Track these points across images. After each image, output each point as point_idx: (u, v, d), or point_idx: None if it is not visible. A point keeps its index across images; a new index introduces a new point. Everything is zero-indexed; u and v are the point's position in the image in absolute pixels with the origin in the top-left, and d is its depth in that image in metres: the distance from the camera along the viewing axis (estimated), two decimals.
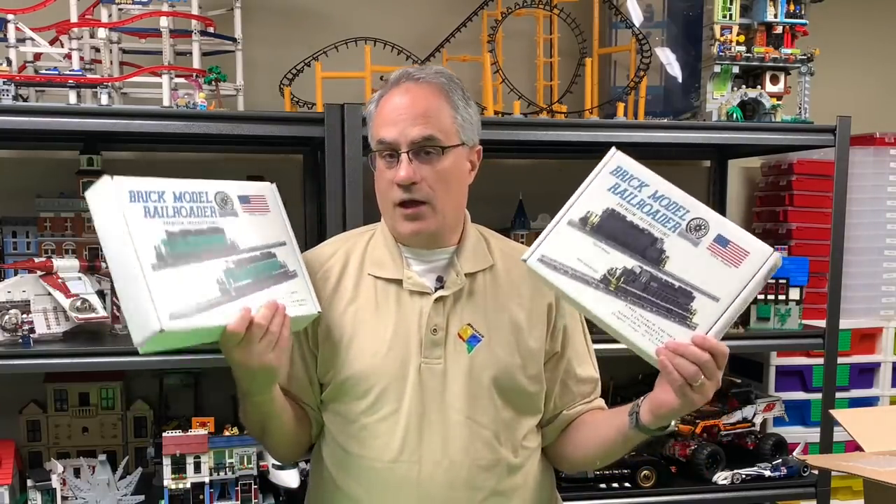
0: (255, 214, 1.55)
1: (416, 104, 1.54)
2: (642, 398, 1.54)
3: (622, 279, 1.39)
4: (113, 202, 1.33)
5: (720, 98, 2.57)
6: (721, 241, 1.39)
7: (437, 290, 1.61)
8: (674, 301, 1.39)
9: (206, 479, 2.23)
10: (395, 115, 1.54)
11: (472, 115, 1.62)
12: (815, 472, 2.63)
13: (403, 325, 1.59)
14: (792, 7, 2.57)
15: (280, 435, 1.65)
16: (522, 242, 2.81)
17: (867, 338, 3.07)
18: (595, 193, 1.43)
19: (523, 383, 1.62)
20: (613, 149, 1.46)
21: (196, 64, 2.33)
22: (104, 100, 2.21)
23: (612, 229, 1.42)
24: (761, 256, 1.39)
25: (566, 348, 1.69)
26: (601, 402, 1.76)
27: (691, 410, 1.47)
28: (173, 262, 1.35)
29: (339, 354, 1.60)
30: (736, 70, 2.57)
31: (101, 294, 2.32)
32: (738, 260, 1.39)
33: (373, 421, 1.58)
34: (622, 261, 1.40)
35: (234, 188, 1.54)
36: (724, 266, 1.39)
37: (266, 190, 1.62)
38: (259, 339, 1.41)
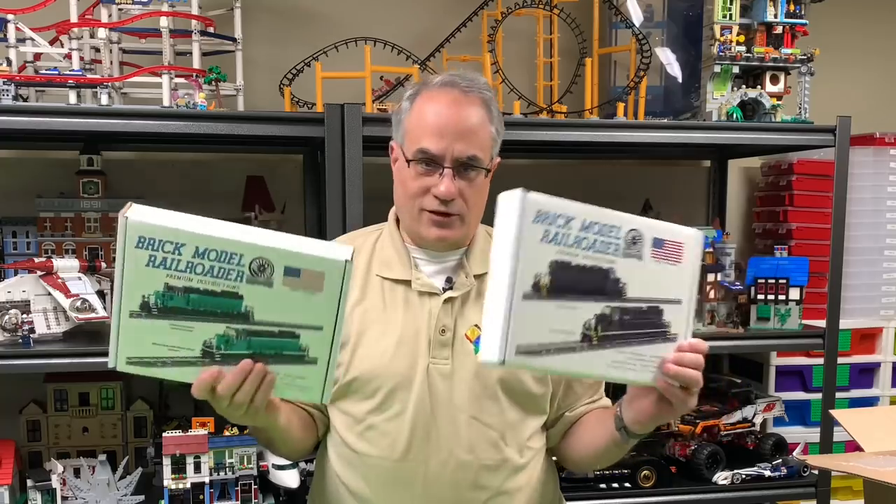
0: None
1: (464, 119, 1.53)
2: (619, 405, 1.53)
3: (600, 328, 1.30)
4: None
5: (720, 98, 2.57)
6: (658, 243, 1.34)
7: (445, 290, 1.61)
8: (649, 324, 1.36)
9: (206, 479, 2.23)
10: (441, 125, 1.53)
11: (501, 130, 1.62)
12: (815, 472, 2.63)
13: (412, 326, 1.59)
14: (792, 7, 2.57)
15: (285, 445, 1.65)
16: None
17: (867, 338, 3.07)
18: (531, 253, 1.22)
19: (529, 384, 1.62)
20: (520, 191, 1.22)
21: (196, 64, 2.33)
22: (104, 100, 2.21)
23: (566, 282, 1.27)
24: (693, 242, 1.38)
25: None
26: (606, 401, 1.75)
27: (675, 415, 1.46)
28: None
29: (347, 355, 1.60)
30: (736, 70, 2.57)
31: (101, 294, 2.32)
32: (678, 255, 1.36)
33: (380, 420, 1.58)
34: (591, 309, 1.29)
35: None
36: (670, 267, 1.36)
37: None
38: (230, 400, 1.37)
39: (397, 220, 1.69)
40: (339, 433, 1.64)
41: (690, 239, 1.38)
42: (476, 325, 1.59)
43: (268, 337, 1.32)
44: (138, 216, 1.24)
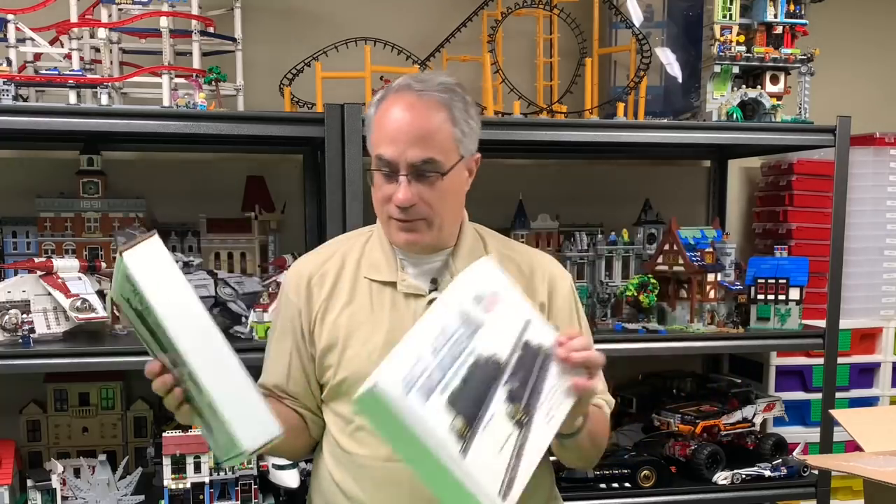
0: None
1: (416, 123, 1.51)
2: None
3: (518, 407, 1.33)
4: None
5: (720, 98, 2.57)
6: (478, 299, 1.36)
7: (431, 291, 1.61)
8: (532, 358, 1.38)
9: (206, 479, 2.23)
10: (394, 132, 1.52)
11: (472, 126, 1.60)
12: (815, 472, 2.63)
13: (398, 328, 1.59)
14: (792, 7, 2.57)
15: (275, 448, 1.65)
16: (522, 242, 2.83)
17: (867, 338, 3.07)
18: (429, 420, 1.20)
19: None
20: (375, 387, 1.18)
21: (196, 64, 2.33)
22: (104, 100, 2.21)
23: (470, 405, 1.27)
24: (485, 267, 1.41)
25: None
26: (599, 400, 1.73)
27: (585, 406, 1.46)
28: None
29: (336, 357, 1.61)
30: (736, 70, 2.57)
31: (101, 294, 2.32)
32: (492, 287, 1.39)
33: None
34: (500, 400, 1.31)
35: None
36: (499, 302, 1.38)
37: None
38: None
39: None
40: (332, 434, 1.66)
41: (481, 266, 1.41)
42: None
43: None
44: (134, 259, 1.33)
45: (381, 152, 1.53)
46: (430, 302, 1.59)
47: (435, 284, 1.62)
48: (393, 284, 1.62)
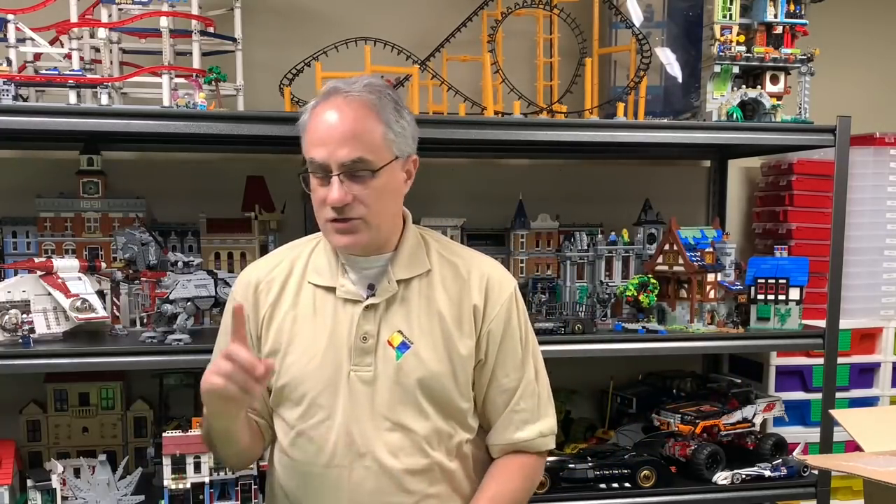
0: None
1: (343, 124, 1.52)
2: None
3: None
4: None
5: (720, 98, 2.57)
6: None
7: (368, 297, 1.62)
8: None
9: (206, 479, 2.23)
10: (324, 134, 1.53)
11: (405, 127, 1.59)
12: (815, 472, 2.63)
13: (336, 333, 1.61)
14: (792, 7, 2.57)
15: (230, 446, 1.67)
16: (522, 242, 2.83)
17: (867, 338, 3.07)
18: None
19: (452, 392, 1.62)
20: None
21: (196, 64, 2.33)
22: (104, 100, 2.21)
23: None
24: None
25: (489, 356, 1.67)
26: (526, 441, 1.69)
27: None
28: None
29: (279, 362, 1.62)
30: (736, 70, 2.57)
31: (101, 294, 2.32)
32: None
33: (307, 427, 1.61)
34: None
35: None
36: None
37: None
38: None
39: None
40: (279, 439, 1.68)
41: None
42: (399, 331, 1.60)
43: None
44: None
45: (313, 155, 1.54)
46: (367, 308, 1.60)
47: (372, 290, 1.63)
48: (334, 290, 1.63)
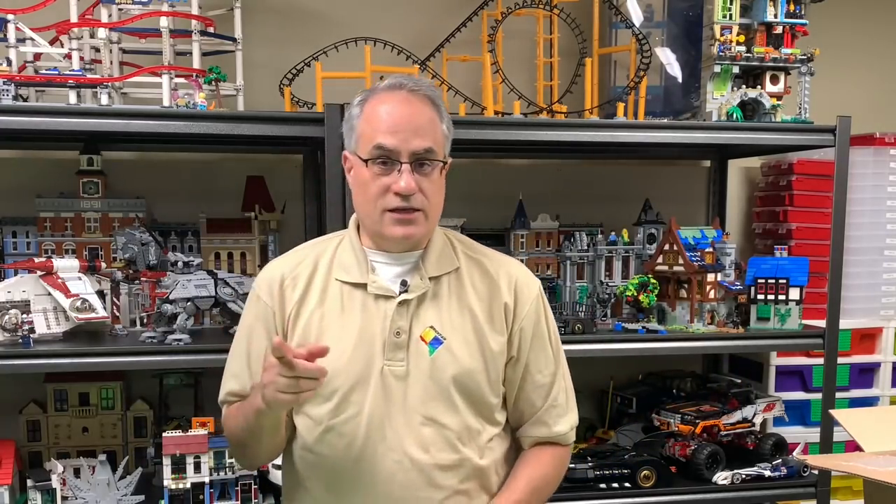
0: None
1: (416, 115, 1.57)
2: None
3: None
4: None
5: (720, 98, 2.57)
6: None
7: (401, 293, 1.63)
8: None
9: (206, 479, 2.23)
10: (397, 122, 1.55)
11: (451, 129, 1.66)
12: (815, 472, 2.63)
13: (368, 329, 1.61)
14: (792, 7, 2.57)
15: (273, 438, 1.66)
16: (522, 242, 2.83)
17: (867, 338, 3.07)
18: None
19: (484, 387, 1.63)
20: None
21: (196, 64, 2.33)
22: (104, 100, 2.21)
23: None
24: None
25: (521, 353, 1.69)
26: (562, 434, 1.74)
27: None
28: None
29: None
30: (736, 70, 2.57)
31: (101, 294, 2.32)
32: None
33: (337, 422, 1.60)
34: None
35: None
36: None
37: None
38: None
39: (357, 227, 1.70)
40: (301, 436, 1.66)
41: None
42: (431, 327, 1.61)
43: None
44: None
45: (382, 142, 1.55)
46: (400, 303, 1.61)
47: (405, 286, 1.64)
48: (363, 286, 1.63)
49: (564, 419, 1.74)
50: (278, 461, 2.27)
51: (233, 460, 2.25)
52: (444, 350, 1.61)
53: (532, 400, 1.71)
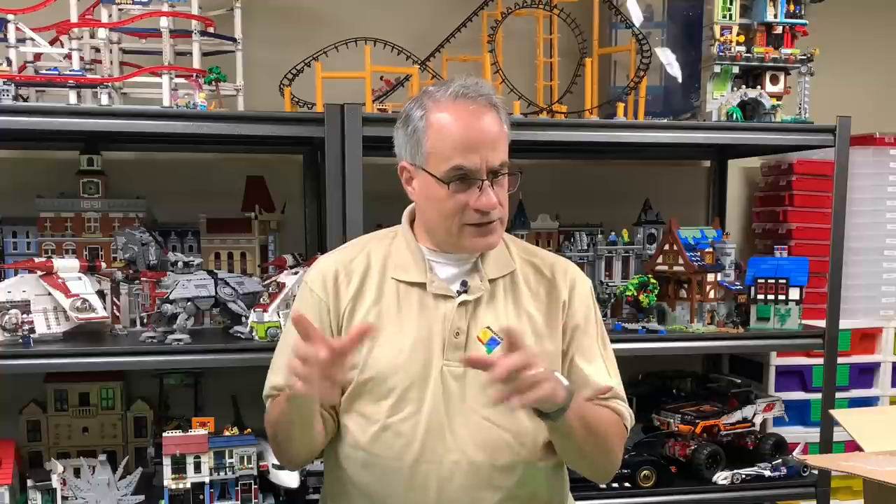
0: None
1: (488, 130, 1.57)
2: None
3: None
4: None
5: (720, 98, 2.57)
6: None
7: (460, 294, 1.63)
8: None
9: (206, 479, 2.22)
10: (470, 141, 1.55)
11: (510, 126, 1.66)
12: (815, 472, 2.63)
13: (426, 328, 1.61)
14: (792, 7, 2.57)
15: (306, 433, 1.63)
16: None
17: (867, 338, 3.07)
18: None
19: None
20: None
21: (196, 64, 2.33)
22: (104, 100, 2.21)
23: None
24: None
25: (570, 347, 1.70)
26: (615, 404, 1.72)
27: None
28: None
29: (363, 355, 1.61)
30: (736, 70, 2.57)
31: (101, 294, 2.32)
32: None
33: (395, 421, 1.60)
34: None
35: None
36: None
37: None
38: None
39: (411, 223, 1.70)
40: (353, 435, 1.64)
41: None
42: (488, 328, 1.60)
43: None
44: None
45: (460, 162, 1.55)
46: (460, 304, 1.62)
47: (465, 287, 1.64)
48: (421, 285, 1.64)
49: (622, 403, 1.71)
50: (276, 460, 2.29)
51: (233, 460, 2.25)
52: (501, 350, 1.60)
53: (587, 394, 1.68)
